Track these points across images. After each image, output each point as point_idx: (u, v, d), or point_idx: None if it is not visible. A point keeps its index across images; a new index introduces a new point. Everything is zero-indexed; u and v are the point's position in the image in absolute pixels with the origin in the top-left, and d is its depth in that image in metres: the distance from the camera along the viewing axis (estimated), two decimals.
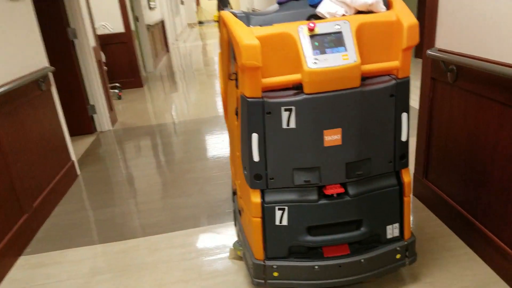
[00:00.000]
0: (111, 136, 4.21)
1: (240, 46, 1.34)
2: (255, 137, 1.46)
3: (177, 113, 4.86)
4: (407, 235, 1.68)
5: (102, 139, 4.14)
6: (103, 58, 5.84)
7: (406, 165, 1.59)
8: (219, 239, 2.24)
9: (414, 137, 2.44)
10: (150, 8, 8.56)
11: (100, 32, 6.01)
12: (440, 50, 1.97)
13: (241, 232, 1.90)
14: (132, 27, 6.36)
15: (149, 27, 7.87)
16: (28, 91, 2.65)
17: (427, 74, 2.14)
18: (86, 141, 4.11)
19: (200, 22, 21.13)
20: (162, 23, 10.22)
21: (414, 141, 2.74)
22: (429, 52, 1.98)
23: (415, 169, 2.41)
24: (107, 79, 4.60)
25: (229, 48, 1.72)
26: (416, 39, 1.41)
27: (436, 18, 2.01)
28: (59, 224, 2.57)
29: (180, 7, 17.06)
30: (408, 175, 1.61)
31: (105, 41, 6.12)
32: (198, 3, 22.03)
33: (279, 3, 1.58)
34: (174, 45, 12.31)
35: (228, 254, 2.11)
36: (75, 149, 3.90)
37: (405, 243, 1.67)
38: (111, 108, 4.62)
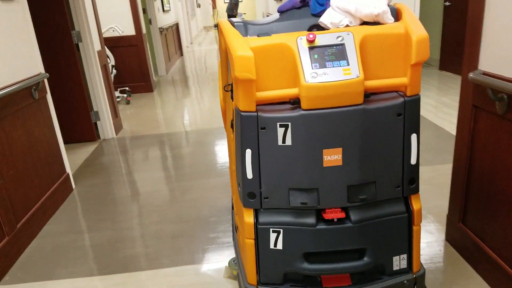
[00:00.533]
0: (114, 145, 3.98)
1: (233, 57, 1.26)
2: (248, 153, 1.37)
3: (187, 121, 4.61)
4: (416, 267, 1.53)
5: (104, 148, 3.91)
6: (112, 61, 5.66)
7: (416, 190, 1.45)
8: (213, 283, 1.96)
9: (448, 168, 2.12)
10: (164, 10, 8.37)
11: (109, 34, 5.83)
12: (485, 74, 1.66)
13: (237, 250, 1.80)
14: (144, 29, 6.17)
15: (162, 30, 7.68)
16: (17, 100, 2.42)
17: (467, 100, 1.83)
18: (87, 150, 3.89)
19: (216, 26, 20.97)
20: (176, 26, 10.04)
21: (448, 174, 2.44)
22: (471, 75, 1.67)
23: (449, 210, 2.09)
24: (112, 84, 4.38)
25: (227, 57, 1.61)
26: (426, 54, 1.30)
27: (480, 33, 1.71)
28: (44, 248, 2.33)
29: (196, 10, 16.94)
30: (419, 202, 1.47)
31: (115, 44, 5.94)
32: (214, 6, 21.90)
33: (280, 12, 1.50)
34: (189, 48, 12.14)
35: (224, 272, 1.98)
36: (74, 158, 3.68)
37: (414, 276, 1.53)
38: (116, 114, 4.40)
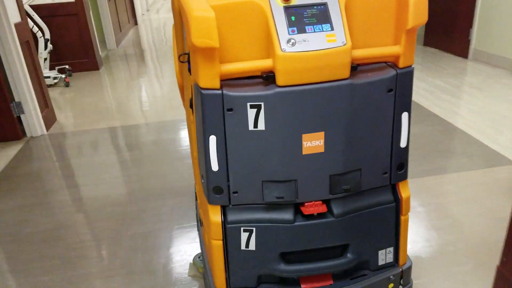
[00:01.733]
0: (43, 146, 3.14)
1: (189, 19, 0.98)
2: (213, 140, 1.13)
3: (142, 110, 3.79)
4: (402, 260, 1.40)
5: (30, 150, 3.07)
6: (47, 34, 4.67)
7: (404, 176, 1.29)
8: None
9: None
10: None
11: (40, 1, 4.79)
12: None
13: (202, 248, 1.58)
14: None
15: None
16: None
17: None
18: (7, 153, 3.03)
19: None
20: None
21: (470, 185, 1.86)
22: None
23: (502, 261, 1.51)
24: (40, 65, 3.48)
25: (181, 18, 1.35)
26: (424, 17, 1.08)
27: None
28: None
29: None
30: (407, 189, 1.30)
31: (50, 13, 4.92)
32: None
33: None
34: (144, 16, 10.96)
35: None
36: None
37: (400, 269, 1.39)
38: (46, 104, 3.52)
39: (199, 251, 1.88)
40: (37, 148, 3.11)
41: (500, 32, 4.34)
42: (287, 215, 1.23)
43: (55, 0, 4.60)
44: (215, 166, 1.17)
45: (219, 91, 1.08)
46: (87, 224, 2.12)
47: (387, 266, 1.39)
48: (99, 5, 6.31)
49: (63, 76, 4.78)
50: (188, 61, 1.23)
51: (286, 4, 1.07)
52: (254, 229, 1.25)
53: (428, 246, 1.84)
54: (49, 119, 3.51)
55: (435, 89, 3.87)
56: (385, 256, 1.39)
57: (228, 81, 1.10)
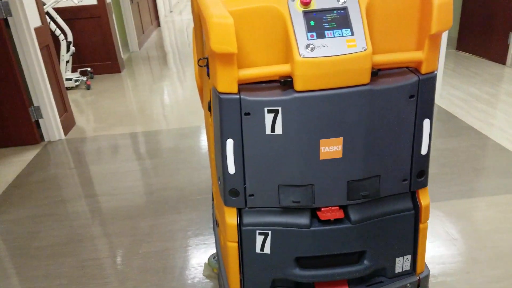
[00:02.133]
0: (61, 151, 3.08)
1: (208, 25, 0.97)
2: (230, 143, 1.11)
3: (163, 114, 3.71)
4: (420, 268, 1.36)
5: (47, 156, 3.01)
6: (69, 36, 4.65)
7: (425, 184, 1.24)
8: None
9: None
10: None
11: (64, 4, 4.78)
12: None
13: (217, 248, 1.57)
14: None
15: None
16: None
17: None
18: (24, 158, 2.98)
19: None
20: None
21: None
22: None
23: None
24: (59, 68, 3.43)
25: (201, 23, 1.34)
26: (449, 23, 1.03)
27: None
28: None
29: None
30: (427, 197, 1.26)
31: (73, 15, 4.91)
32: None
33: None
34: (168, 17, 10.97)
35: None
36: (4, 171, 2.78)
37: (418, 277, 1.35)
38: (65, 108, 3.47)
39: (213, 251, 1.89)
40: (54, 153, 3.06)
41: None
42: (303, 219, 1.22)
43: (78, 3, 4.57)
44: (232, 169, 1.16)
45: (237, 96, 1.07)
46: (99, 239, 2.02)
47: (404, 274, 1.36)
48: (122, 7, 6.29)
49: (85, 78, 4.75)
50: (207, 65, 1.23)
51: (305, 9, 1.05)
52: (269, 232, 1.24)
53: (468, 281, 1.65)
54: (68, 123, 3.46)
55: (470, 97, 3.63)
56: (402, 263, 1.36)
57: (246, 85, 1.09)
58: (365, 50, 1.04)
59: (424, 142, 1.19)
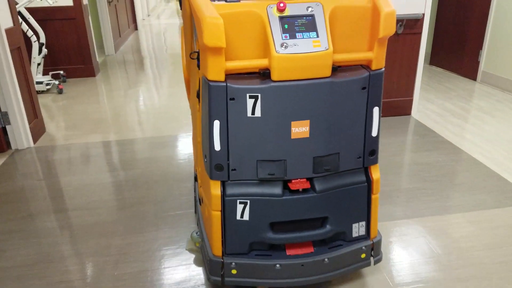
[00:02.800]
0: (29, 161, 2.92)
1: (202, 24, 1.21)
2: (216, 124, 1.35)
3: (139, 122, 3.58)
4: (373, 234, 1.63)
5: (14, 165, 2.84)
6: (42, 38, 4.47)
7: (375, 161, 1.54)
8: None
9: None
10: None
11: (36, 4, 4.60)
12: None
13: (200, 222, 1.76)
14: (85, 0, 4.95)
15: (111, 0, 6.43)
16: None
17: None
18: None
19: None
20: None
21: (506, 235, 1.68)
22: None
23: None
24: (31, 72, 3.26)
25: (191, 23, 1.56)
26: (392, 29, 1.33)
27: None
28: None
29: None
30: (377, 172, 1.55)
31: (47, 16, 4.73)
32: None
33: None
34: (145, 21, 10.79)
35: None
36: None
37: (371, 242, 1.62)
38: (35, 114, 3.30)
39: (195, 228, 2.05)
40: (22, 162, 2.89)
41: (511, 55, 4.20)
42: (277, 190, 1.45)
43: (53, 3, 4.40)
44: (217, 147, 1.38)
45: (224, 83, 1.30)
46: (70, 259, 1.90)
47: (360, 238, 1.62)
48: (99, 9, 6.12)
49: (57, 82, 4.56)
50: (198, 58, 1.42)
51: (281, 15, 1.31)
52: (248, 201, 1.45)
53: None
54: (38, 130, 3.29)
55: (445, 112, 3.71)
56: (358, 229, 1.62)
57: (231, 75, 1.32)
58: (327, 49, 1.30)
59: (374, 126, 1.47)
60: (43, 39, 4.57)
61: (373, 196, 1.58)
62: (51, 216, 2.23)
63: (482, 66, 4.61)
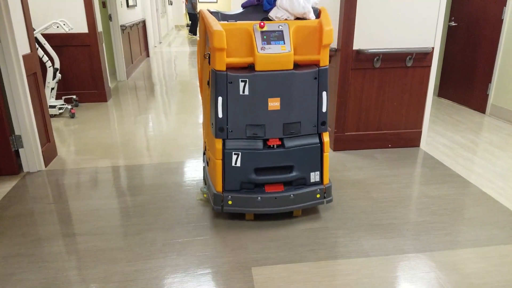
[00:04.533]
0: (40, 184, 2.94)
1: (212, 32, 1.99)
2: (220, 99, 2.10)
3: (148, 148, 3.62)
4: (325, 181, 2.34)
5: (25, 188, 2.87)
6: (57, 63, 4.58)
7: (326, 130, 2.27)
8: None
9: None
10: (129, 6, 7.30)
11: (52, 31, 4.75)
12: None
13: (206, 178, 2.49)
14: (100, 27, 5.11)
15: (124, 27, 6.61)
16: None
17: None
18: (0, 190, 2.83)
19: (189, 25, 19.88)
20: (143, 24, 8.96)
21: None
22: None
23: None
24: (45, 96, 3.33)
25: (205, 35, 2.26)
26: (331, 40, 2.11)
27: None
28: None
29: (168, 8, 15.83)
30: (327, 137, 2.27)
31: (63, 42, 4.86)
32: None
33: (243, 7, 2.34)
34: (157, 48, 11.04)
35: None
36: None
37: (324, 186, 2.33)
38: (48, 138, 3.35)
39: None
40: (33, 185, 2.92)
41: None
42: (259, 145, 2.19)
43: (69, 30, 4.54)
44: (220, 114, 2.12)
45: (225, 72, 2.07)
46: (78, 285, 1.88)
47: (316, 183, 2.34)
48: (112, 36, 6.29)
49: (69, 106, 4.65)
50: (209, 58, 2.20)
51: (261, 30, 2.08)
52: (240, 153, 2.17)
53: None
54: (50, 154, 3.33)
55: (455, 145, 3.70)
56: (314, 176, 2.31)
57: (229, 68, 2.10)
58: (289, 52, 2.09)
59: (323, 104, 2.22)
60: (57, 65, 4.69)
61: (324, 154, 2.29)
62: (60, 240, 2.23)
63: (491, 99, 4.62)
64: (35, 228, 2.35)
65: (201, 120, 4.48)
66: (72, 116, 4.57)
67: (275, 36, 2.08)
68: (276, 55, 2.05)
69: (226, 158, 2.17)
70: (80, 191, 2.83)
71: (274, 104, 2.12)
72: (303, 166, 2.26)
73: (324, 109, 2.21)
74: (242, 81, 2.06)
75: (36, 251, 2.13)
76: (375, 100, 3.45)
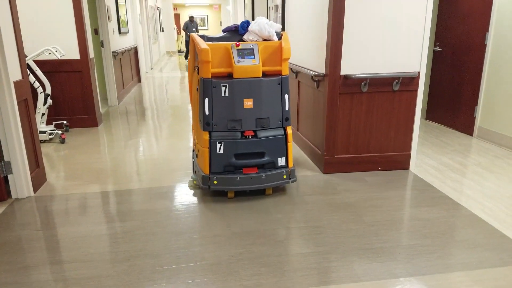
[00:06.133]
0: (28, 210, 2.89)
1: (200, 50, 2.70)
2: (206, 100, 2.78)
3: (138, 173, 3.60)
4: (290, 165, 3.02)
5: (13, 215, 2.82)
6: (48, 89, 4.59)
7: (289, 124, 2.95)
8: None
9: None
10: (121, 33, 7.40)
11: (44, 57, 4.78)
12: None
13: (196, 167, 3.16)
14: (91, 53, 5.15)
15: (116, 54, 6.68)
16: None
17: None
18: None
19: (180, 51, 20.14)
20: (135, 50, 9.06)
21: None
22: None
23: None
24: (35, 122, 3.32)
25: (194, 53, 3.01)
26: (289, 55, 2.85)
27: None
28: None
29: (160, 34, 16.06)
30: (290, 130, 2.96)
31: (55, 68, 4.89)
32: (179, 32, 21.13)
33: (224, 31, 3.07)
34: (148, 74, 11.13)
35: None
36: None
37: (289, 169, 3.00)
38: (37, 164, 3.32)
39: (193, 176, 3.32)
40: (21, 212, 2.87)
41: (506, 112, 4.31)
42: (237, 135, 2.84)
43: (61, 57, 4.57)
44: (207, 112, 2.77)
45: (210, 79, 2.74)
46: None
47: (283, 167, 2.99)
48: (104, 62, 6.35)
49: (59, 132, 4.63)
50: (197, 69, 2.85)
51: (237, 48, 2.78)
52: (222, 142, 2.81)
53: None
54: (39, 180, 3.30)
55: (444, 167, 3.74)
56: (281, 161, 2.96)
57: (213, 76, 2.78)
58: (258, 64, 2.78)
59: (286, 104, 2.88)
60: (48, 90, 4.70)
61: (288, 143, 2.96)
62: (47, 268, 2.18)
63: (478, 122, 4.71)
64: (23, 256, 2.30)
65: (191, 144, 4.48)
66: (62, 141, 4.55)
67: (248, 53, 2.79)
68: (249, 66, 2.76)
69: (211, 147, 2.81)
70: (69, 217, 2.79)
71: (248, 103, 2.80)
72: (272, 153, 2.93)
73: (286, 108, 2.90)
74: (223, 86, 2.76)
75: (23, 279, 2.08)
76: (364, 123, 3.50)
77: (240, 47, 2.76)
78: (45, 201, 3.05)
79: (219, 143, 2.78)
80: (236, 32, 3.02)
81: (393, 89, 3.43)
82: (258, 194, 3.08)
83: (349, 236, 2.52)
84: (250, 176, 2.85)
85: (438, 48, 5.30)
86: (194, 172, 3.27)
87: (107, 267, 2.19)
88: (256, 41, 2.90)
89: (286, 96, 2.86)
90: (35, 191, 3.20)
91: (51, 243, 2.45)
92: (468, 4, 4.76)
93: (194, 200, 3.05)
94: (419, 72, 3.42)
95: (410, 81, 3.43)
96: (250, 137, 2.83)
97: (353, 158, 3.58)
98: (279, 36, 2.97)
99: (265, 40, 2.92)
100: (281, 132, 2.92)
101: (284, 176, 2.95)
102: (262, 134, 2.86)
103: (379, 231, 2.57)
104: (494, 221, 2.70)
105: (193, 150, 3.32)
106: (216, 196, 3.10)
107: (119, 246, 2.40)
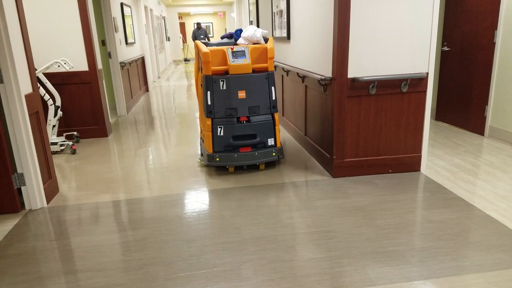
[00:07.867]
0: (42, 221, 2.93)
1: (202, 53, 3.47)
2: (208, 93, 3.54)
3: (148, 181, 3.62)
4: (278, 144, 3.78)
5: (27, 226, 2.85)
6: (58, 101, 4.65)
7: (276, 111, 3.71)
8: None
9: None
10: (127, 43, 7.48)
11: (53, 70, 4.85)
12: None
13: (203, 150, 3.92)
14: (99, 65, 5.22)
15: (124, 64, 6.75)
16: None
17: None
18: (3, 228, 2.82)
19: (186, 60, 20.29)
20: (142, 60, 9.15)
21: None
22: None
23: None
24: (47, 134, 3.37)
25: (198, 56, 3.79)
26: (273, 54, 3.63)
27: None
28: None
29: (166, 43, 16.20)
30: (277, 116, 3.72)
31: (64, 81, 4.96)
32: (185, 41, 21.30)
33: (221, 38, 4.04)
34: (155, 83, 11.22)
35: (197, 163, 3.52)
36: None
37: (277, 148, 3.75)
38: (49, 175, 3.36)
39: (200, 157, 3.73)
40: (35, 223, 2.90)
41: None
42: (234, 121, 3.62)
43: (70, 69, 4.64)
44: (209, 102, 3.59)
45: (211, 76, 3.57)
46: None
47: (272, 146, 3.75)
48: (112, 73, 6.42)
49: (70, 143, 4.68)
50: (201, 69, 3.69)
51: (232, 50, 3.59)
52: (222, 126, 3.61)
53: None
54: (51, 191, 3.33)
55: (456, 168, 3.70)
56: (271, 141, 3.72)
57: (214, 73, 3.59)
58: (249, 62, 3.59)
59: (272, 94, 3.67)
60: (59, 102, 4.76)
61: (276, 127, 3.71)
62: (62, 278, 2.20)
63: (489, 121, 4.66)
64: (37, 266, 2.33)
65: (199, 151, 4.51)
66: (73, 152, 4.60)
67: (240, 54, 3.57)
68: (241, 64, 3.53)
69: (214, 130, 3.58)
70: (82, 227, 2.81)
71: (242, 94, 3.57)
72: (262, 134, 3.67)
73: (273, 98, 3.65)
74: (221, 80, 3.53)
75: None
76: (373, 126, 3.49)
77: (234, 50, 3.57)
78: (58, 212, 3.08)
79: (219, 127, 3.57)
80: (231, 38, 3.97)
81: (401, 90, 3.42)
82: (260, 192, 3.08)
83: (361, 240, 2.50)
84: (245, 154, 3.61)
85: (446, 48, 5.27)
86: (201, 154, 4.11)
87: (120, 276, 2.20)
88: (247, 44, 3.73)
89: (273, 88, 3.64)
90: (48, 202, 3.23)
91: (65, 253, 2.47)
92: (475, 2, 4.73)
93: (204, 207, 3.05)
94: (427, 73, 3.40)
95: (418, 82, 3.42)
96: (244, 122, 3.62)
97: (363, 161, 3.56)
98: (266, 40, 3.81)
99: (254, 43, 3.75)
100: (270, 117, 3.69)
101: (274, 154, 3.71)
102: (254, 119, 3.64)
103: (392, 234, 2.55)
104: (509, 222, 2.67)
105: (200, 138, 4.18)
106: (226, 202, 3.11)
107: (132, 255, 2.42)
